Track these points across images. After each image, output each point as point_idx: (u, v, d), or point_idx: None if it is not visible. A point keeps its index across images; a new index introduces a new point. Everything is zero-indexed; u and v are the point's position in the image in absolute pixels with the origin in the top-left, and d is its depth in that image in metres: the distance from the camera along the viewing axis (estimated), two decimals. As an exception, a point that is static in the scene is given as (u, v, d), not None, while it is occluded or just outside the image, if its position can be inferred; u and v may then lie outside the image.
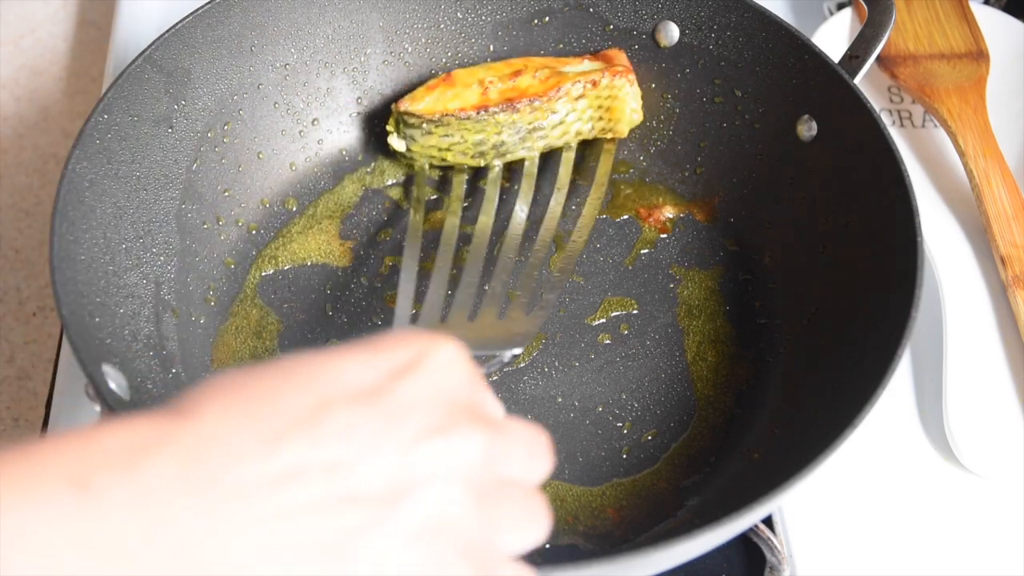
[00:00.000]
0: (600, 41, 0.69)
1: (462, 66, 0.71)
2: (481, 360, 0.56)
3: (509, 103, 0.64)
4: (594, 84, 0.65)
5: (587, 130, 0.68)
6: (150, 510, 0.28)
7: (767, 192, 0.66)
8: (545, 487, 0.56)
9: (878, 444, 0.62)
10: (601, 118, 0.67)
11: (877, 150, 0.58)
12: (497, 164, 0.67)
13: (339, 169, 0.69)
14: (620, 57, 0.68)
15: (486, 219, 0.64)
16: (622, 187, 0.69)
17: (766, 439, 0.57)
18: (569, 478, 0.57)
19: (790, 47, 0.63)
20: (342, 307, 0.63)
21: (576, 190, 0.69)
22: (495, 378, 0.60)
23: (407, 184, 0.69)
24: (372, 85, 0.70)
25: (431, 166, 0.69)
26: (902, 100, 0.77)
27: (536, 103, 0.65)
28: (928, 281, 0.65)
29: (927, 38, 0.77)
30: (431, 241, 0.66)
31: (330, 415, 0.31)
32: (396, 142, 0.67)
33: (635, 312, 0.64)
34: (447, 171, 0.69)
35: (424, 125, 0.65)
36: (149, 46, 0.60)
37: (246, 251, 0.65)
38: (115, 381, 0.50)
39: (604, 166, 0.68)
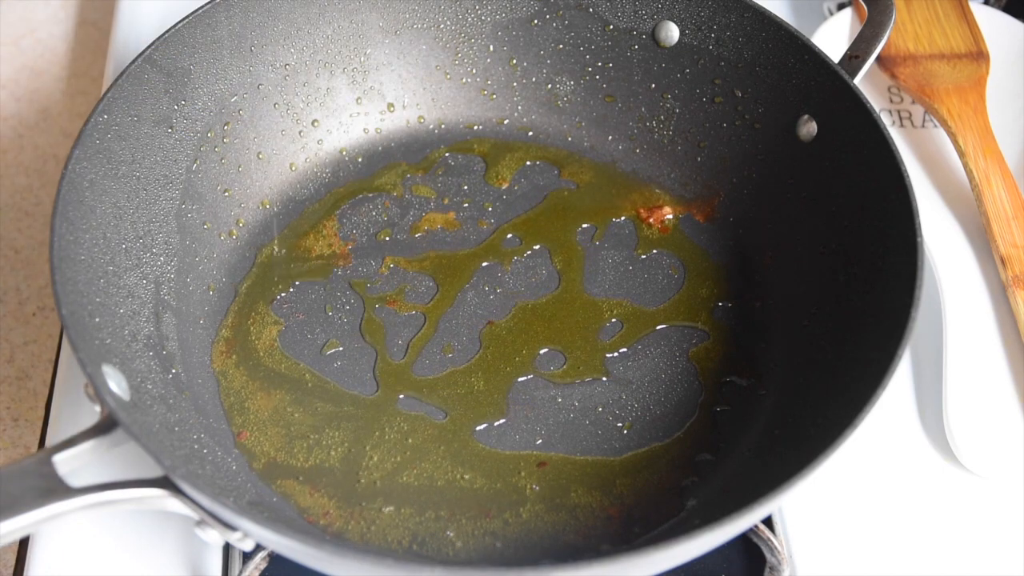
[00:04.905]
0: (600, 41, 0.69)
1: (461, 65, 0.71)
2: None
3: None
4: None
5: None
6: None
7: (767, 192, 0.66)
8: (545, 487, 0.56)
9: (878, 444, 0.62)
10: None
11: (877, 150, 0.58)
12: None
13: (339, 169, 0.69)
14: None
15: None
16: (622, 187, 0.69)
17: (766, 439, 0.57)
18: (568, 479, 0.57)
19: (790, 47, 0.63)
20: (342, 307, 0.63)
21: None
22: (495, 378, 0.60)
23: (407, 184, 0.69)
24: (372, 85, 0.70)
25: (430, 167, 0.69)
26: (902, 100, 0.77)
27: None
28: (928, 281, 0.65)
29: (927, 38, 0.77)
30: (430, 242, 0.66)
31: None
32: None
33: (634, 312, 0.64)
34: (447, 171, 0.69)
35: None
36: (149, 46, 0.60)
37: (246, 251, 0.65)
38: (115, 381, 0.50)
39: None
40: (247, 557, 0.54)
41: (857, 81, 0.61)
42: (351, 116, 0.70)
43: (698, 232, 0.67)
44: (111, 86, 0.58)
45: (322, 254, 0.65)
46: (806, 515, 0.59)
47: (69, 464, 0.45)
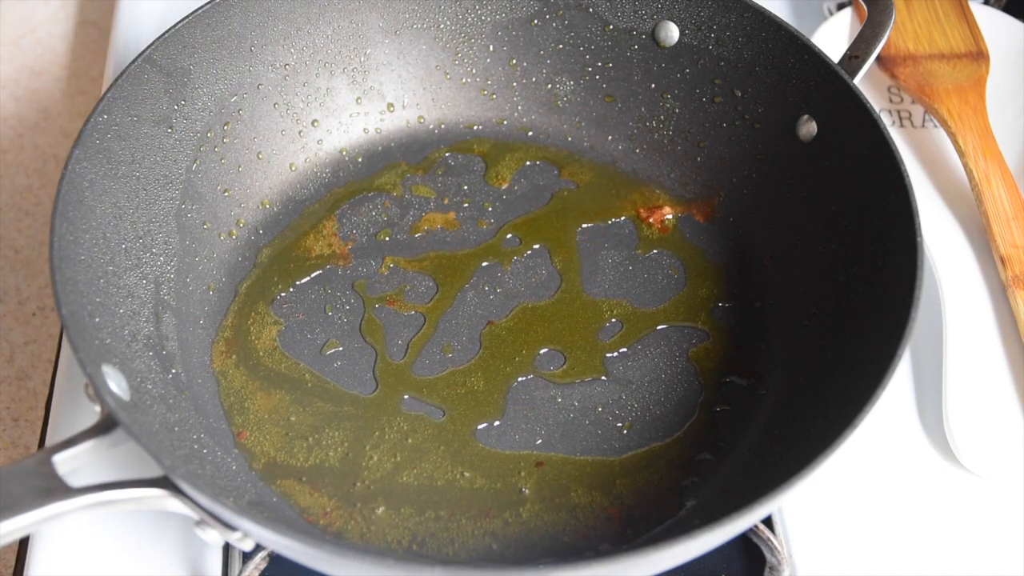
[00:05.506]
0: (600, 41, 0.69)
1: (462, 65, 0.71)
2: None
3: None
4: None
5: None
6: None
7: (767, 192, 0.66)
8: (545, 487, 0.56)
9: (878, 444, 0.62)
10: None
11: (877, 150, 0.58)
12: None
13: (339, 169, 0.69)
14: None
15: None
16: (622, 187, 0.69)
17: (766, 439, 0.57)
18: (568, 478, 0.57)
19: (790, 47, 0.63)
20: (342, 307, 0.63)
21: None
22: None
23: (407, 184, 0.69)
24: (372, 85, 0.70)
25: (431, 167, 0.69)
26: (902, 100, 0.77)
27: None
28: (928, 281, 0.65)
29: (927, 38, 0.77)
30: (430, 242, 0.66)
31: None
32: None
33: (634, 312, 0.64)
34: (447, 171, 0.69)
35: None
36: (149, 46, 0.60)
37: (246, 251, 0.65)
38: (115, 381, 0.50)
39: None
40: (247, 557, 0.54)
41: (857, 81, 0.61)
42: (351, 116, 0.70)
43: (698, 232, 0.67)
44: (111, 86, 0.58)
45: (322, 254, 0.65)
46: (806, 515, 0.59)
47: (69, 464, 0.45)
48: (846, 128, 0.61)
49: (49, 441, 0.62)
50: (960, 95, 0.73)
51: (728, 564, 0.57)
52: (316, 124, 0.69)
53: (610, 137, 0.71)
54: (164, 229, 0.61)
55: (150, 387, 0.54)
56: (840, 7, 0.83)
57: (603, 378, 0.61)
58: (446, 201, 0.68)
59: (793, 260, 0.63)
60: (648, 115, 0.70)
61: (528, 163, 0.70)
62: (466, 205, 0.68)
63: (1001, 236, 0.66)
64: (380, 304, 0.63)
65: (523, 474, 0.57)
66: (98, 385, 0.46)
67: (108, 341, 0.52)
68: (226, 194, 0.65)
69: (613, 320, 0.63)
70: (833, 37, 0.75)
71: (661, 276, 0.65)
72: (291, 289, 0.64)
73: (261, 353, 0.61)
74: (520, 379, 0.60)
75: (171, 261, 0.61)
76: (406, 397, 0.59)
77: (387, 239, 0.66)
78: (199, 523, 0.47)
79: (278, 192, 0.67)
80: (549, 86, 0.71)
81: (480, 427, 0.58)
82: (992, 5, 0.81)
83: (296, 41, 0.67)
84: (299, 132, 0.68)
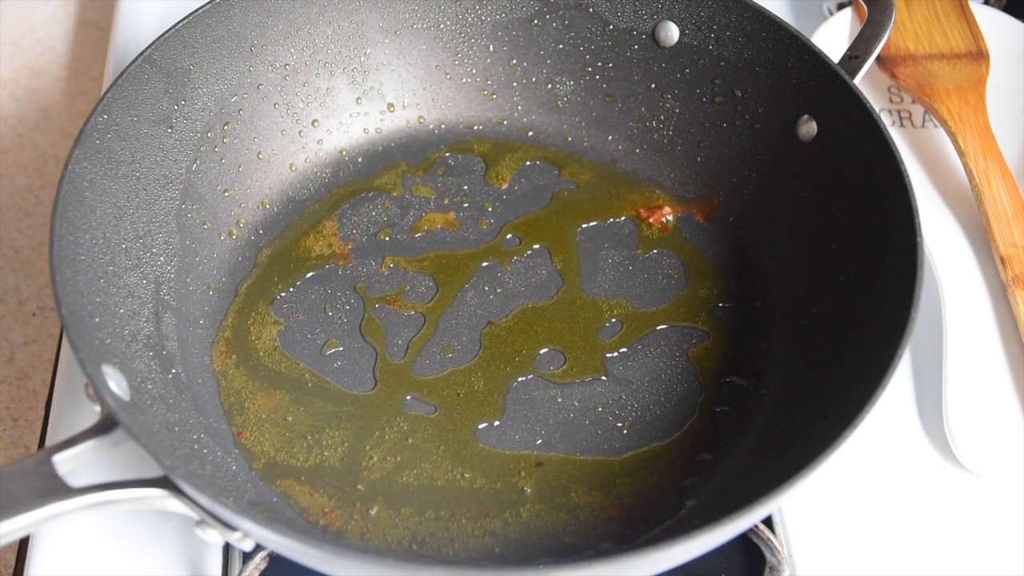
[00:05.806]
0: (600, 41, 0.69)
1: (461, 65, 0.71)
2: None
3: None
4: None
5: None
6: None
7: (767, 192, 0.66)
8: (545, 487, 0.56)
9: (878, 444, 0.62)
10: None
11: (877, 150, 0.58)
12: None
13: (339, 169, 0.69)
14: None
15: None
16: (622, 187, 0.69)
17: (766, 439, 0.57)
18: (568, 478, 0.57)
19: (790, 47, 0.63)
20: (342, 307, 0.63)
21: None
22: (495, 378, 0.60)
23: (407, 184, 0.69)
24: (372, 85, 0.70)
25: (431, 167, 0.69)
26: (902, 100, 0.77)
27: None
28: (928, 281, 0.65)
29: (927, 38, 0.77)
30: (430, 242, 0.66)
31: None
32: None
33: (634, 312, 0.64)
34: (447, 171, 0.69)
35: None
36: (149, 46, 0.60)
37: (246, 251, 0.65)
38: (115, 381, 0.50)
39: None
40: (247, 557, 0.54)
41: (857, 81, 0.61)
42: (351, 116, 0.70)
43: (698, 232, 0.67)
44: (111, 86, 0.58)
45: (322, 254, 0.65)
46: (806, 515, 0.59)
47: (69, 464, 0.45)
48: (846, 128, 0.61)
49: (49, 441, 0.62)
50: (960, 95, 0.73)
51: (728, 564, 0.57)
52: (316, 124, 0.69)
53: (610, 137, 0.71)
54: (164, 229, 0.61)
55: (150, 387, 0.54)
56: (840, 7, 0.83)
57: (603, 378, 0.61)
58: (446, 201, 0.68)
59: (793, 260, 0.63)
60: (648, 115, 0.70)
61: (528, 163, 0.70)
62: (466, 205, 0.68)
63: (1001, 236, 0.66)
64: (380, 304, 0.63)
65: (523, 474, 0.57)
66: (98, 385, 0.46)
67: (108, 341, 0.52)
68: (226, 194, 0.65)
69: (613, 320, 0.63)
70: (833, 37, 0.75)
71: (661, 276, 0.65)
72: (291, 289, 0.64)
73: (261, 353, 0.61)
74: (520, 379, 0.60)
75: (171, 261, 0.61)
76: (407, 397, 0.59)
77: (387, 239, 0.66)
78: (199, 523, 0.47)
79: (278, 192, 0.67)
80: (549, 86, 0.71)
81: (480, 427, 0.58)
82: (992, 5, 0.81)
83: (296, 41, 0.67)
84: (299, 132, 0.68)
